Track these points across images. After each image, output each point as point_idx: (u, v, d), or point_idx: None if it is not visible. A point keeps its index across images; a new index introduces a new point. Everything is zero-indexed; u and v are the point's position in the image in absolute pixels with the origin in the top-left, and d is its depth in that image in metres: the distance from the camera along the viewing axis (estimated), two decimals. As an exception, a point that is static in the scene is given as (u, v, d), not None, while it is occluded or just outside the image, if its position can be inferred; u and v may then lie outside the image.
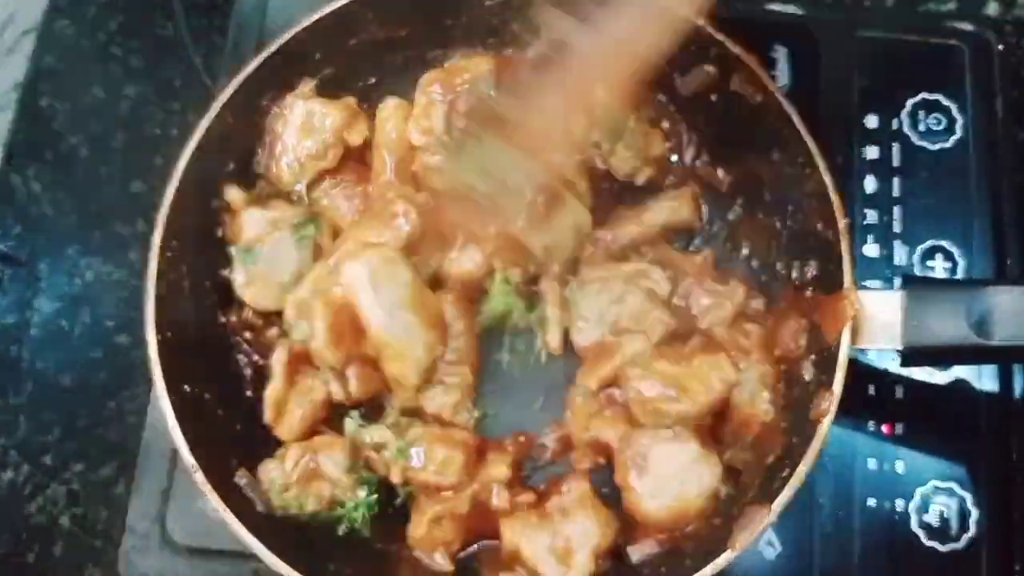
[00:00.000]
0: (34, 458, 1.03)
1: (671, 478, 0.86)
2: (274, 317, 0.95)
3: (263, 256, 0.93)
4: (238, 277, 0.94)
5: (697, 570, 0.80)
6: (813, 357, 0.87)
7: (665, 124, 1.01)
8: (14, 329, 1.06)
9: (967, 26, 1.12)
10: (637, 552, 0.87)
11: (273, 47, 0.94)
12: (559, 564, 0.85)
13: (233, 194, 0.96)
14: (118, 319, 1.08)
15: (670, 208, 0.98)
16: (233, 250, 0.94)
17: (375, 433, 0.89)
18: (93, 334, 1.07)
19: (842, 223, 0.85)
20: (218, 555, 0.94)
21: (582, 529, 0.86)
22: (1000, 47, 1.11)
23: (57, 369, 1.05)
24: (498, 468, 0.89)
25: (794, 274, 0.92)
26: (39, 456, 1.03)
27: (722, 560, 0.79)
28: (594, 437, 0.90)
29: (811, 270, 0.90)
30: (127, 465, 1.00)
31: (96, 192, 1.12)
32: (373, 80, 1.03)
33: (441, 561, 0.87)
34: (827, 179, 0.86)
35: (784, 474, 0.81)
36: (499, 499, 0.88)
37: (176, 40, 1.16)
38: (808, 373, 0.87)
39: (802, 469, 0.80)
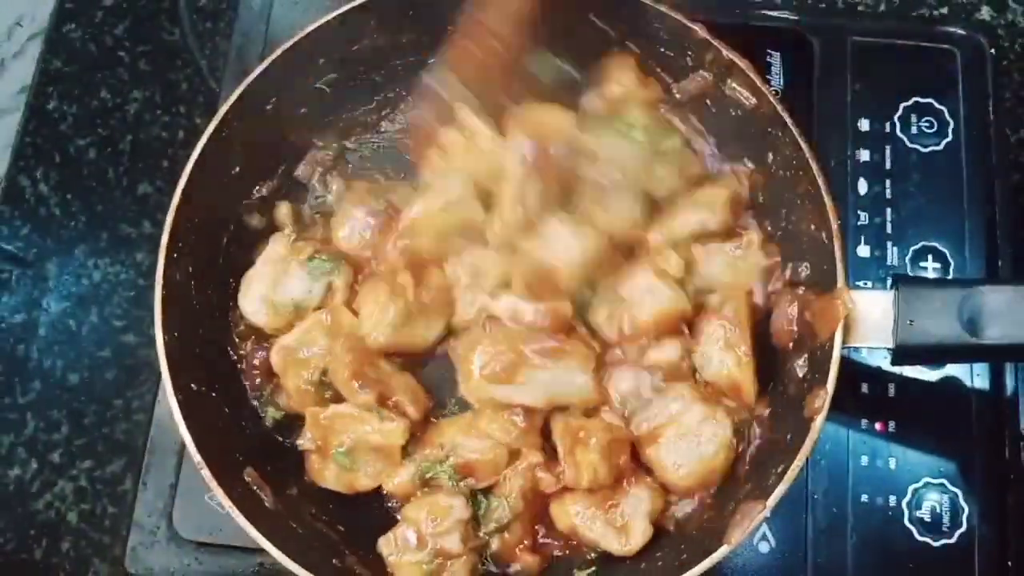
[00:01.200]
0: (42, 455, 1.04)
1: (687, 443, 0.87)
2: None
3: (274, 278, 0.94)
4: (245, 290, 0.95)
5: (693, 564, 0.80)
6: (806, 355, 0.88)
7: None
8: (22, 328, 1.08)
9: (959, 30, 1.13)
10: (681, 510, 0.89)
11: (277, 52, 0.95)
12: (618, 535, 0.86)
13: (283, 211, 0.99)
14: (125, 319, 1.09)
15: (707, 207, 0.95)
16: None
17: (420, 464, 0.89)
18: (100, 333, 1.08)
19: (835, 224, 0.86)
20: (224, 550, 0.95)
21: (632, 498, 0.87)
22: (992, 51, 1.12)
23: (65, 368, 1.07)
24: (532, 453, 0.90)
25: (788, 274, 0.93)
26: (47, 453, 1.04)
27: (717, 555, 0.80)
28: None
29: (804, 270, 0.91)
30: (134, 462, 1.01)
31: (103, 194, 1.14)
32: (379, 78, 1.05)
33: (530, 559, 0.88)
34: (820, 181, 0.87)
35: (779, 470, 0.82)
36: (547, 481, 0.88)
37: (182, 45, 1.18)
38: (801, 371, 0.88)
39: (796, 465, 0.80)
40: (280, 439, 0.94)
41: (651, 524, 0.87)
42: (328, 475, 0.90)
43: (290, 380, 0.92)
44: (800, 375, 0.88)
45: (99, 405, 1.06)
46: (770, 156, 0.94)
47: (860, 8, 1.20)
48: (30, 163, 1.13)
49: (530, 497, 0.89)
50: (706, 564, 0.80)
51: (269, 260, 0.95)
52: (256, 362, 0.95)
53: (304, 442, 0.91)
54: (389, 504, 0.92)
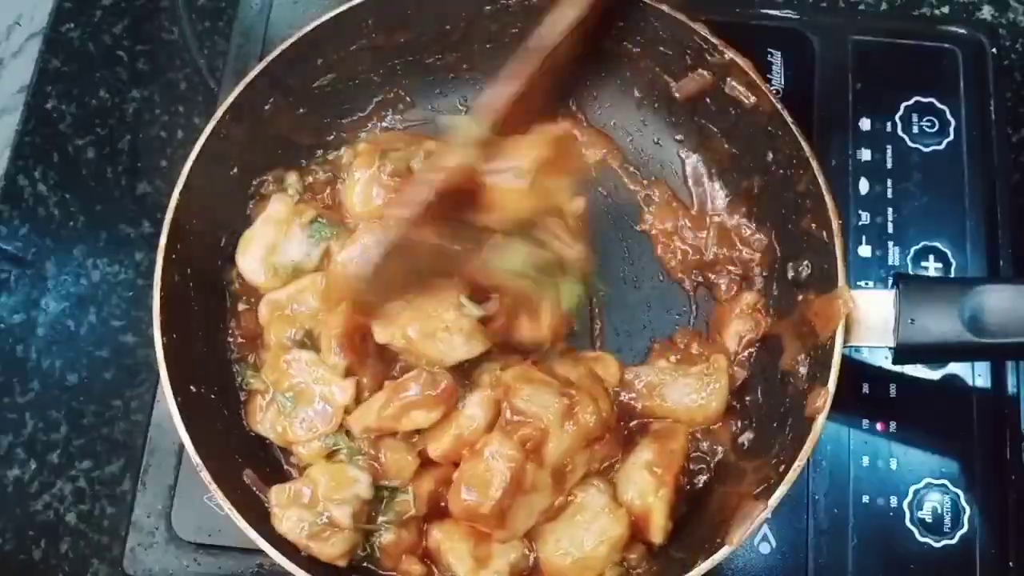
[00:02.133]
0: (41, 456, 1.04)
1: (579, 531, 0.84)
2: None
3: (274, 238, 0.94)
4: (244, 249, 0.96)
5: (693, 565, 0.80)
6: (807, 355, 0.88)
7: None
8: (21, 328, 1.08)
9: (960, 30, 1.13)
10: None
11: (276, 52, 0.95)
12: (475, 567, 0.84)
13: (291, 179, 1.00)
14: (124, 319, 1.09)
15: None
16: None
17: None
18: (99, 333, 1.08)
19: (836, 223, 0.86)
20: (223, 551, 0.95)
21: (505, 545, 0.85)
22: (993, 50, 1.12)
23: (63, 368, 1.07)
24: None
25: (789, 274, 0.93)
26: (46, 454, 1.04)
27: (718, 555, 0.80)
28: None
29: (805, 270, 0.91)
30: (133, 462, 1.01)
31: (102, 193, 1.14)
32: (378, 78, 1.05)
33: (417, 569, 0.86)
34: (821, 181, 0.87)
35: (780, 470, 0.82)
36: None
37: (181, 44, 1.18)
38: (802, 371, 0.88)
39: (797, 465, 0.80)
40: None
41: (510, 571, 0.85)
42: (265, 421, 0.90)
43: (273, 334, 0.92)
44: (801, 375, 0.88)
45: (98, 405, 1.06)
46: (770, 155, 0.94)
47: (861, 7, 1.20)
48: (29, 163, 1.13)
49: (433, 506, 0.87)
50: (707, 565, 0.80)
51: (270, 220, 0.95)
52: (251, 326, 0.95)
53: (255, 381, 0.91)
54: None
